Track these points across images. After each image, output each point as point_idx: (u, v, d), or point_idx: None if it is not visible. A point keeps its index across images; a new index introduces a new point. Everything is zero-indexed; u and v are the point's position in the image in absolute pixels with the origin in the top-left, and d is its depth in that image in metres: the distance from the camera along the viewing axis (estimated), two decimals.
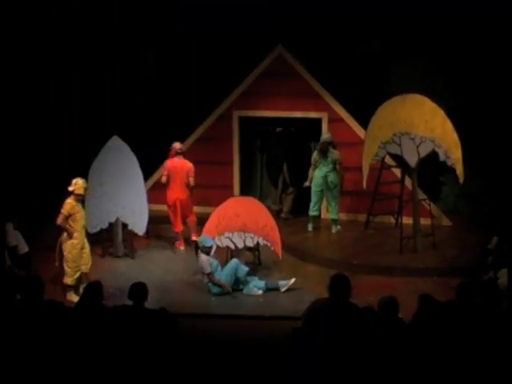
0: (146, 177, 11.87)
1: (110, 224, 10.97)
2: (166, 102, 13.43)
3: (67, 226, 9.55)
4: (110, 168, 10.88)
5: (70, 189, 9.56)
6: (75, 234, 9.64)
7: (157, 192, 12.28)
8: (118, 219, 11.00)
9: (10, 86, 11.29)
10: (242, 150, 12.84)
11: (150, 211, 11.21)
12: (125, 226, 11.05)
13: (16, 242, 10.16)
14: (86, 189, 9.72)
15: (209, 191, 12.50)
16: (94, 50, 12.80)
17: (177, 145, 11.48)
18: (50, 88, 12.58)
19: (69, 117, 12.99)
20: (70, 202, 9.56)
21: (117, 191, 10.85)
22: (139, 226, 10.94)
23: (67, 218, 9.51)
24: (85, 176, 10.17)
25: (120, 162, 10.94)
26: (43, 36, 11.90)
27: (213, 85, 13.05)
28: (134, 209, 10.90)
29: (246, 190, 12.83)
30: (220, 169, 12.75)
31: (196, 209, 12.07)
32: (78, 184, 9.60)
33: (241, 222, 10.13)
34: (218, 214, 10.27)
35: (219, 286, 9.75)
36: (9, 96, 11.37)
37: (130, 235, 11.14)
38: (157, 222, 11.91)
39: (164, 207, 11.96)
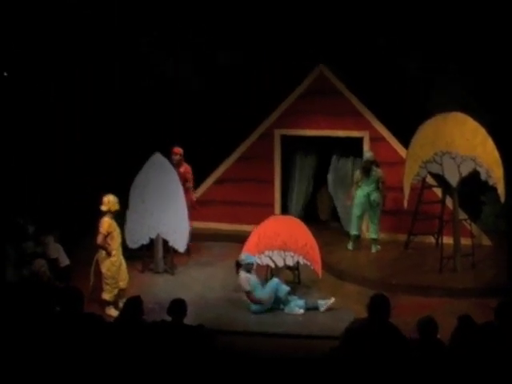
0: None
1: (151, 240, 10.94)
2: (208, 120, 13.47)
3: (106, 245, 9.54)
4: (151, 184, 10.85)
5: (104, 208, 9.54)
6: (113, 252, 9.63)
7: (198, 208, 12.23)
8: (158, 235, 10.98)
9: (46, 99, 11.84)
10: (283, 169, 12.83)
11: (191, 228, 11.24)
12: (165, 242, 11.02)
13: (57, 254, 10.23)
14: (118, 203, 9.67)
15: (249, 209, 12.56)
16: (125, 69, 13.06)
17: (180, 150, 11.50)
18: (88, 102, 12.89)
19: (106, 134, 13.16)
20: (107, 220, 9.53)
21: (158, 208, 10.82)
22: (180, 242, 10.90)
23: (106, 236, 9.51)
24: (118, 191, 10.10)
25: (162, 179, 10.91)
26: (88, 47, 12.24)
27: (254, 103, 13.10)
28: (174, 226, 10.85)
29: (286, 209, 12.85)
30: (261, 187, 12.73)
31: (236, 227, 12.31)
32: (110, 201, 9.58)
33: (281, 240, 10.10)
34: (259, 233, 10.23)
35: (259, 303, 9.69)
36: (46, 111, 11.98)
37: (170, 251, 11.13)
38: (197, 239, 11.99)
39: (205, 224, 12.09)
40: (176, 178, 11.04)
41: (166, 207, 10.84)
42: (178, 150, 11.58)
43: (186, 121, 13.13)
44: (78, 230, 11.23)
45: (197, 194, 12.56)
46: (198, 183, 12.73)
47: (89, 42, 12.66)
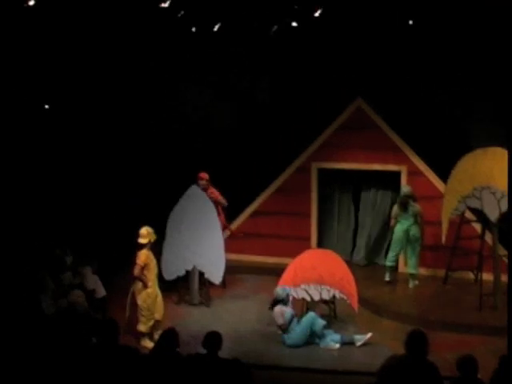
0: (225, 226, 12.05)
1: (187, 272, 10.98)
2: (245, 153, 13.45)
3: (143, 277, 9.56)
4: (188, 216, 10.91)
5: (144, 241, 9.56)
6: (149, 283, 9.63)
7: (234, 241, 12.46)
8: (194, 267, 11.02)
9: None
10: (320, 202, 12.78)
11: (227, 261, 11.19)
12: (201, 274, 11.05)
13: (94, 285, 10.26)
14: (154, 233, 9.70)
15: (286, 242, 12.52)
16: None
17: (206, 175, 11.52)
18: (128, 137, 13.05)
19: (144, 167, 13.26)
20: (144, 252, 9.56)
21: (194, 240, 10.88)
22: (216, 274, 10.93)
23: (143, 268, 9.52)
24: (155, 223, 10.09)
25: (198, 211, 10.96)
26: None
27: (292, 136, 13.00)
28: (210, 258, 10.89)
29: (323, 242, 12.81)
30: (297, 220, 12.67)
31: (273, 259, 12.34)
32: (149, 233, 9.62)
33: (317, 274, 10.06)
34: (295, 266, 10.20)
35: (294, 337, 9.62)
36: (86, 143, 12.08)
37: (206, 284, 11.15)
38: (233, 271, 11.96)
39: (241, 257, 12.11)
40: (213, 210, 11.07)
41: (202, 239, 10.88)
42: (204, 175, 11.59)
43: (223, 153, 13.20)
44: (114, 261, 11.31)
45: (233, 226, 12.67)
46: (234, 216, 12.80)
47: (131, 81, 12.94)
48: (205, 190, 11.44)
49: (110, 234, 12.03)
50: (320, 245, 12.63)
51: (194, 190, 11.17)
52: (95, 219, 12.12)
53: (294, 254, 10.65)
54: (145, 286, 9.51)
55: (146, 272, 9.54)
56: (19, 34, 10.60)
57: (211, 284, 11.10)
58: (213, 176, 11.81)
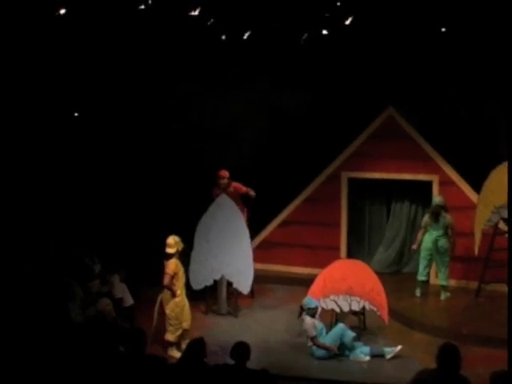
0: (253, 235, 11.94)
1: (215, 281, 10.93)
2: (273, 163, 13.46)
3: (172, 286, 9.53)
4: (216, 225, 10.87)
5: (172, 251, 9.52)
6: (177, 292, 9.61)
7: (262, 251, 12.50)
8: (222, 277, 10.96)
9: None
10: (349, 212, 12.73)
11: (255, 270, 11.15)
12: (229, 284, 11.01)
13: (122, 294, 10.26)
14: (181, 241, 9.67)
15: (315, 252, 12.48)
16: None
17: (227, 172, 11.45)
18: (155, 146, 13.11)
19: (173, 176, 13.24)
20: (174, 261, 9.53)
21: (223, 249, 10.82)
22: (244, 284, 10.88)
23: (172, 277, 9.49)
24: (183, 232, 10.08)
25: (227, 220, 10.92)
26: None
27: (322, 145, 13.01)
28: (239, 267, 10.83)
29: (352, 253, 12.71)
30: (327, 230, 12.63)
31: (301, 270, 12.27)
32: (177, 242, 9.57)
33: (347, 285, 9.99)
34: (324, 276, 10.15)
35: (324, 349, 9.53)
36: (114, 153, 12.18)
37: (234, 293, 11.12)
38: (262, 281, 11.93)
39: (270, 267, 12.13)
40: (241, 219, 11.04)
41: (230, 248, 10.83)
42: (225, 173, 11.53)
43: (252, 162, 13.23)
44: (142, 269, 11.26)
45: (261, 236, 12.73)
46: (262, 225, 12.86)
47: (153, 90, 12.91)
48: (226, 188, 11.40)
49: (136, 242, 12.02)
50: (350, 255, 12.56)
51: (222, 199, 11.13)
52: (123, 227, 12.13)
53: (323, 264, 10.60)
54: (173, 295, 9.49)
55: (174, 281, 9.51)
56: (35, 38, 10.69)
57: (239, 294, 11.05)
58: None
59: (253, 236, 11.96)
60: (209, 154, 13.20)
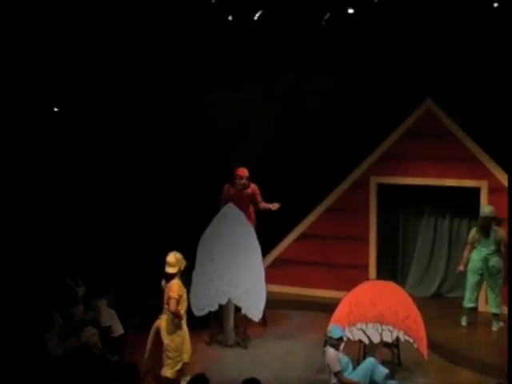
0: (265, 251, 11.87)
1: (220, 306, 10.99)
2: (289, 166, 13.56)
3: (179, 312, 9.50)
4: (222, 240, 10.95)
5: (174, 270, 9.53)
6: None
7: (277, 270, 12.60)
8: (229, 301, 11.01)
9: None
10: (380, 224, 12.74)
11: (268, 293, 11.18)
12: (237, 309, 11.06)
13: (110, 322, 10.28)
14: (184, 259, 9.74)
15: (339, 272, 12.56)
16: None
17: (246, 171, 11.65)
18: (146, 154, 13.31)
19: (170, 184, 13.38)
20: (176, 282, 9.55)
21: (230, 268, 10.88)
22: (255, 310, 10.91)
23: (178, 301, 9.50)
24: (182, 248, 10.10)
25: (235, 233, 10.99)
26: None
27: (346, 146, 12.98)
28: (249, 289, 10.88)
29: (384, 273, 12.67)
30: (353, 246, 12.67)
31: (323, 293, 12.38)
32: (179, 260, 9.59)
33: (377, 311, 9.98)
34: (350, 301, 10.14)
35: None
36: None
37: (243, 321, 11.13)
38: (276, 306, 11.98)
39: (285, 289, 12.19)
40: (252, 232, 11.09)
41: (239, 267, 10.88)
42: (244, 171, 11.67)
43: (265, 166, 13.17)
44: (134, 292, 11.40)
45: (275, 252, 12.84)
46: (276, 240, 12.95)
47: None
48: (243, 189, 11.61)
49: (128, 261, 12.13)
50: (380, 275, 12.55)
51: (230, 209, 11.18)
52: (112, 244, 12.21)
53: (348, 286, 10.63)
54: (179, 322, 9.45)
55: (179, 306, 9.51)
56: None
57: (249, 321, 11.06)
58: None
59: (265, 252, 12.01)
60: (212, 154, 13.42)
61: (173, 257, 9.57)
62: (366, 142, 12.70)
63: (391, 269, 13.03)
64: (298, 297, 12.74)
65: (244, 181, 11.62)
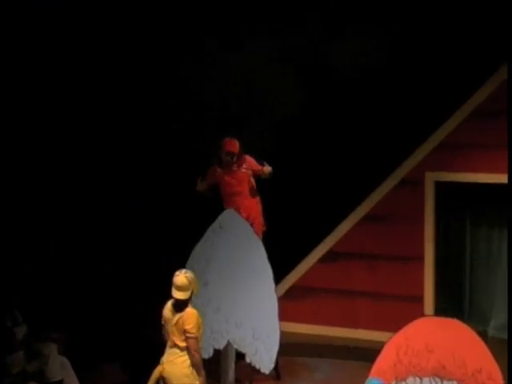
0: (278, 276, 11.54)
1: (217, 351, 10.65)
2: (312, 158, 13.66)
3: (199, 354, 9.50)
4: (219, 259, 10.72)
5: (185, 296, 9.36)
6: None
7: (294, 301, 12.46)
8: (229, 345, 10.64)
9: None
10: (439, 237, 12.43)
11: (282, 333, 10.85)
12: (240, 356, 10.74)
13: (61, 375, 10.24)
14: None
15: (382, 305, 12.35)
16: None
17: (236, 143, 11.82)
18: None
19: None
20: (193, 312, 9.41)
21: (229, 298, 10.60)
22: (264, 357, 10.57)
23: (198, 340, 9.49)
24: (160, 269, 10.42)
25: (236, 250, 10.77)
26: None
27: (391, 130, 12.91)
28: (255, 329, 10.52)
29: (444, 305, 12.41)
30: (401, 268, 12.36)
31: (357, 333, 12.28)
32: (191, 281, 9.43)
33: (435, 360, 9.32)
34: (398, 345, 9.50)
35: None
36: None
37: (247, 372, 10.96)
38: (292, 352, 11.82)
39: (306, 327, 12.25)
40: (260, 248, 10.91)
41: (242, 297, 10.62)
42: (235, 144, 11.59)
43: (279, 157, 13.01)
44: (94, 331, 11.62)
45: (292, 277, 12.72)
46: (295, 260, 12.77)
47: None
48: (234, 167, 11.60)
49: (85, 290, 12.39)
50: (439, 309, 12.25)
51: (228, 216, 10.98)
52: (62, 267, 12.70)
53: (394, 324, 9.87)
54: (199, 369, 9.32)
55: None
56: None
57: (257, 373, 10.78)
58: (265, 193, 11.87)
59: (278, 277, 11.78)
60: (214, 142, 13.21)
61: (183, 278, 9.43)
62: (419, 126, 12.63)
63: (455, 300, 12.74)
64: (324, 339, 12.58)
65: (233, 158, 11.64)
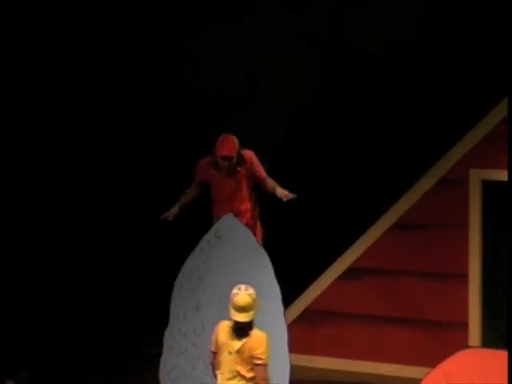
0: (287, 297, 11.20)
1: None
2: (330, 152, 13.71)
3: None
4: (215, 276, 10.61)
5: (250, 318, 9.18)
6: None
7: (308, 329, 12.34)
8: None
9: None
10: (487, 250, 12.15)
11: (294, 369, 10.58)
12: None
13: None
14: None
15: (417, 333, 12.11)
16: None
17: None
18: None
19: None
20: (261, 335, 9.30)
21: None
22: None
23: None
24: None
25: (235, 265, 10.60)
26: None
27: (425, 116, 12.90)
28: None
29: (493, 333, 12.14)
30: (441, 287, 12.05)
31: (389, 369, 12.17)
32: (255, 298, 9.29)
33: None
34: (436, 382, 9.52)
35: None
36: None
37: None
38: None
39: (323, 362, 12.22)
40: (266, 261, 10.63)
41: None
42: (233, 147, 10.95)
43: (286, 150, 13.58)
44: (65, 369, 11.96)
45: (305, 299, 12.56)
46: (309, 277, 12.61)
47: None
48: (236, 169, 11.15)
49: (51, 317, 12.78)
50: (488, 339, 11.97)
51: (228, 222, 10.76)
52: (108, 241, 13.66)
53: (431, 357, 10.32)
54: None
55: None
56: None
57: None
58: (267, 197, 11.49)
59: (288, 299, 11.47)
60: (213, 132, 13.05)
61: (247, 296, 9.24)
62: (461, 113, 12.49)
63: (506, 328, 12.06)
64: (344, 375, 12.39)
65: (234, 160, 11.06)
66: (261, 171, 11.28)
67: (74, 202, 14.90)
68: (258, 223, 11.46)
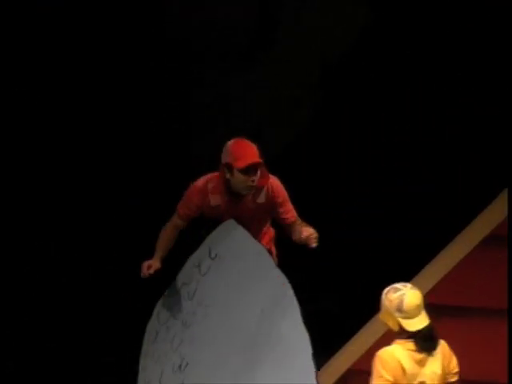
0: (323, 352, 9.71)
1: None
2: (341, 165, 14.23)
3: None
4: (217, 293, 8.89)
5: (427, 322, 8.05)
6: None
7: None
8: None
9: None
10: None
11: None
12: None
13: None
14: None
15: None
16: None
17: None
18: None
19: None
20: (446, 347, 8.31)
21: (235, 363, 8.57)
22: None
23: None
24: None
25: (239, 301, 8.74)
26: None
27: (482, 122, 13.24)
28: None
29: None
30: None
31: None
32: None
33: None
34: None
35: None
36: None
37: None
38: None
39: None
40: (290, 295, 8.63)
41: (255, 363, 8.44)
42: (253, 151, 8.67)
43: (292, 161, 13.80)
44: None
45: (347, 353, 11.14)
46: (352, 328, 11.25)
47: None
48: (253, 198, 8.99)
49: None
50: None
51: (228, 231, 8.89)
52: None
53: None
54: None
55: None
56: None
57: None
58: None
59: (322, 352, 9.53)
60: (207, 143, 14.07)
61: (415, 291, 7.92)
62: None
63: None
64: None
65: (258, 175, 8.90)
66: (289, 209, 8.90)
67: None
68: (274, 248, 9.32)
